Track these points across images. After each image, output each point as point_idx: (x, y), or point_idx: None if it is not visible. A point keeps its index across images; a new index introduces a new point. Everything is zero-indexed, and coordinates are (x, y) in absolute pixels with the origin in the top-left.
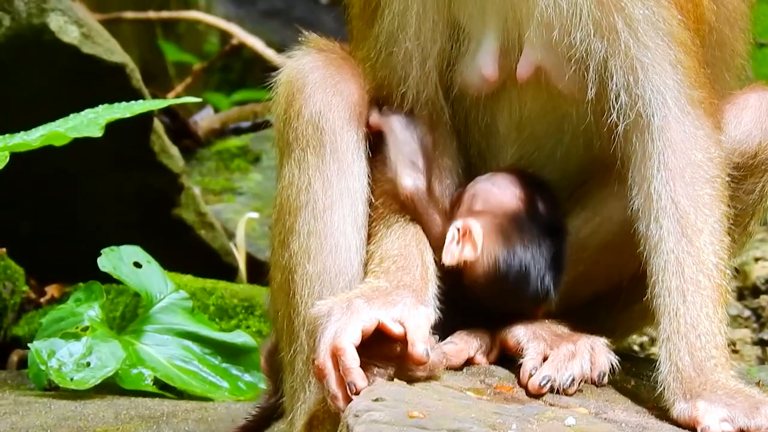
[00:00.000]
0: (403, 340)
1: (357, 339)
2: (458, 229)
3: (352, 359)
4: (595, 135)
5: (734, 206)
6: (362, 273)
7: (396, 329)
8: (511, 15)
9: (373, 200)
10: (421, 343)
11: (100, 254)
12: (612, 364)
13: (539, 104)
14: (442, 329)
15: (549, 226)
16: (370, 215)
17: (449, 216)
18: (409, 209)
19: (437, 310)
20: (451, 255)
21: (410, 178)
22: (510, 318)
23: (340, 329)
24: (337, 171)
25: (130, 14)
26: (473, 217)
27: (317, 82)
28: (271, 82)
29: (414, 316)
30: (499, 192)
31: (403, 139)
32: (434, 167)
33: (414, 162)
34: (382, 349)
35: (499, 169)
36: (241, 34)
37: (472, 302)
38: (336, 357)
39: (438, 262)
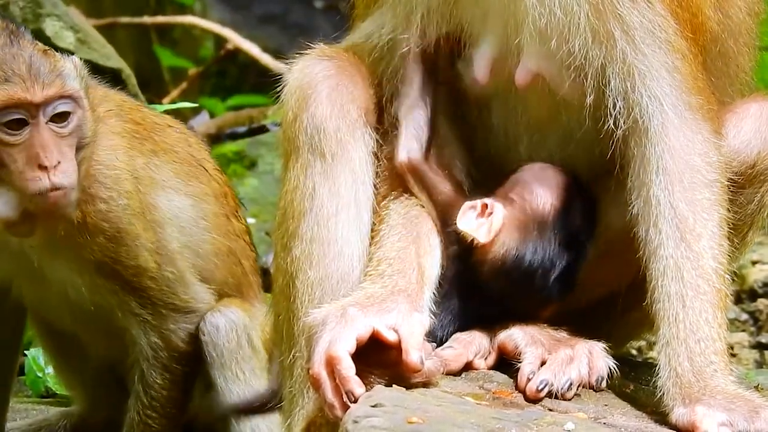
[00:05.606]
0: (398, 348)
1: (352, 347)
2: (485, 204)
3: (347, 368)
4: (595, 141)
5: (733, 214)
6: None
7: (390, 336)
8: (511, 21)
9: (376, 206)
10: (415, 350)
11: None
12: (610, 369)
13: (543, 109)
14: (452, 318)
15: (573, 238)
16: (373, 222)
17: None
18: (408, 180)
19: (432, 316)
20: (466, 222)
21: (405, 150)
22: (508, 319)
23: (335, 338)
24: (344, 179)
25: (125, 19)
26: (505, 202)
27: (330, 90)
28: (269, 88)
29: (408, 323)
30: (540, 190)
31: (416, 101)
32: (437, 138)
33: (418, 129)
34: (378, 357)
35: (551, 164)
36: (237, 39)
37: (474, 290)
38: (331, 366)
39: (444, 239)
